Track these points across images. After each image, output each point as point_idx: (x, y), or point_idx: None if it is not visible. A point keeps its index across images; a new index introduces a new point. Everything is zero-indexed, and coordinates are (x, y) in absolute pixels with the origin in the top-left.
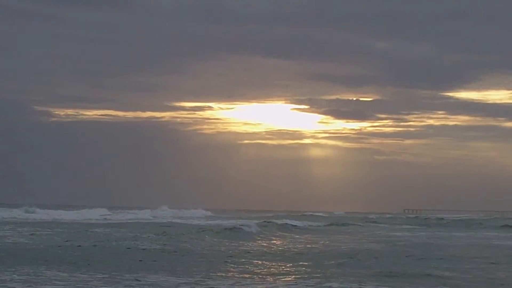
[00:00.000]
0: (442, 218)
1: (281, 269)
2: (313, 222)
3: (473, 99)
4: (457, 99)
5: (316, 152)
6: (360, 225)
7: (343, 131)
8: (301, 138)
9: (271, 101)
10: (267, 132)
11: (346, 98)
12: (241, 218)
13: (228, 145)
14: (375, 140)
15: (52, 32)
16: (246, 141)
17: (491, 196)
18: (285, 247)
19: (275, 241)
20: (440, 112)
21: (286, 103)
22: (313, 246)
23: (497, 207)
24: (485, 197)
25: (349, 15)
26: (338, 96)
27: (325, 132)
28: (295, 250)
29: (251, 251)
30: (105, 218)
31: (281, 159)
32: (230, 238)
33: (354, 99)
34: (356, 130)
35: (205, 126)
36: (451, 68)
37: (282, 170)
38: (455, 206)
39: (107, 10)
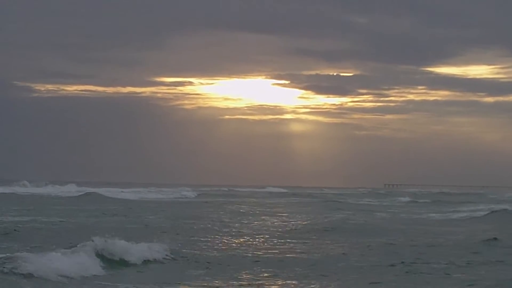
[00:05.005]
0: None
1: None
2: None
3: (453, 74)
4: (437, 74)
5: (296, 127)
6: None
7: (324, 106)
8: (282, 113)
9: (251, 76)
10: (248, 108)
11: (326, 73)
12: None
13: (209, 121)
14: (356, 115)
15: (32, 7)
16: (227, 117)
17: (471, 171)
18: None
19: None
20: (420, 87)
21: (266, 78)
22: None
23: (477, 182)
24: (464, 172)
25: None
26: (318, 71)
27: (305, 107)
28: None
29: None
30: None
31: (262, 134)
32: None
33: (335, 74)
34: (336, 105)
35: (185, 102)
36: (432, 43)
37: (263, 145)
38: (435, 181)
39: None
